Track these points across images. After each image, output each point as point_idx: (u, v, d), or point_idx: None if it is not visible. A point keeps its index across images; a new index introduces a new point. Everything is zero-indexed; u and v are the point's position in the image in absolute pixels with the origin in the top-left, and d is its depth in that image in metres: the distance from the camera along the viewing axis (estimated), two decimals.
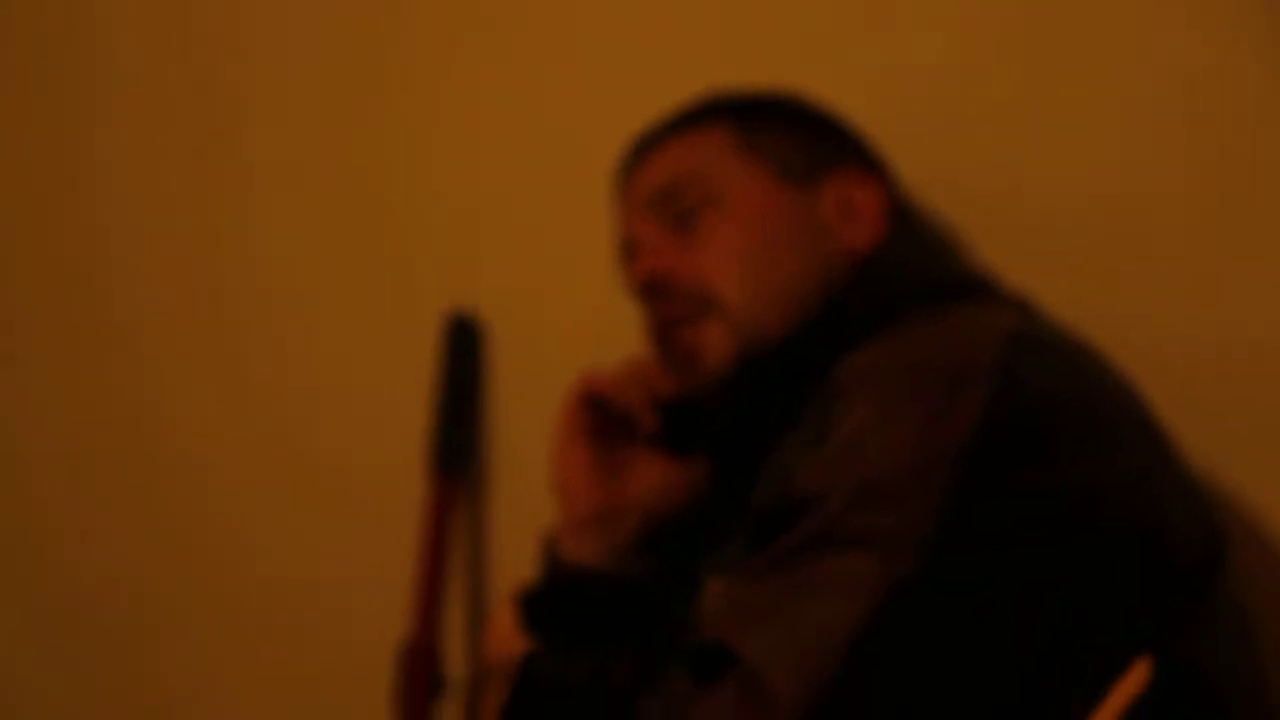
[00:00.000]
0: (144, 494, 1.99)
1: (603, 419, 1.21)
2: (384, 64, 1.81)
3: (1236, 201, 1.20)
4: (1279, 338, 1.18)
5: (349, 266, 1.84)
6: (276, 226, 1.91)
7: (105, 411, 2.02)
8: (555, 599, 1.16)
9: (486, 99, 1.71)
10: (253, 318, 1.94)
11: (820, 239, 1.15)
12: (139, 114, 2.00)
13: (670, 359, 1.17)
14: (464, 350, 1.69)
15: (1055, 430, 0.94)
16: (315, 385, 1.87)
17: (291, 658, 1.90)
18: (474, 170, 1.73)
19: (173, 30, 1.98)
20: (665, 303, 1.16)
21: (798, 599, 0.91)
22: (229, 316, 1.96)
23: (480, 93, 1.72)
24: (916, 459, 0.91)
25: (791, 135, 1.20)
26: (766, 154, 1.18)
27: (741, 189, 1.16)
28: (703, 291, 1.14)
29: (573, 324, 1.61)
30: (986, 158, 1.33)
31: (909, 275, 1.13)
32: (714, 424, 1.16)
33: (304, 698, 1.90)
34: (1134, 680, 0.89)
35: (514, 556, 1.67)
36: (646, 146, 1.23)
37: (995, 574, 0.90)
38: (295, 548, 1.90)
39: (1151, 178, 1.24)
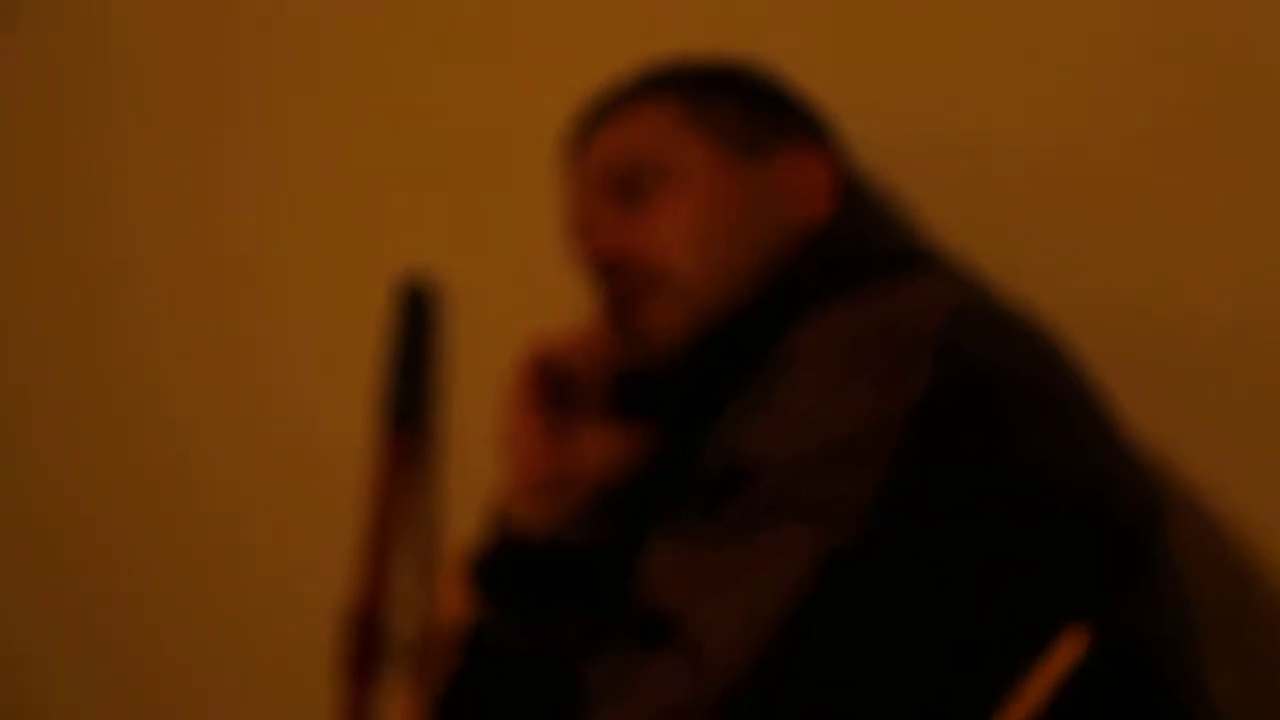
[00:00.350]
0: (120, 460, 2.00)
1: (553, 385, 1.20)
2: (334, 33, 1.81)
3: (1178, 170, 1.20)
4: (1219, 310, 1.19)
5: (302, 232, 1.84)
6: (231, 193, 1.91)
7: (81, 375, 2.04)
8: (506, 565, 1.16)
9: (437, 67, 1.71)
10: (210, 286, 1.94)
11: (770, 212, 1.15)
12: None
13: (623, 333, 1.17)
14: (417, 311, 1.69)
15: (1000, 401, 0.94)
16: (270, 349, 1.87)
17: (241, 620, 1.90)
18: (427, 132, 1.72)
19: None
20: (617, 280, 1.16)
21: (739, 567, 0.91)
22: (186, 284, 1.96)
23: (431, 61, 1.72)
24: (861, 429, 0.91)
25: (740, 108, 1.19)
26: (715, 128, 1.17)
27: (691, 163, 1.16)
28: (654, 268, 1.14)
29: (525, 286, 1.61)
30: (939, 124, 1.33)
31: (859, 247, 1.13)
32: (666, 394, 1.17)
33: (252, 660, 1.90)
34: (1069, 648, 0.90)
35: (465, 519, 1.67)
36: (594, 119, 1.22)
37: (935, 544, 0.90)
38: (247, 510, 1.90)
39: (1095, 139, 1.25)
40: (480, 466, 1.62)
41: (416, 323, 1.69)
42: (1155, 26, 1.21)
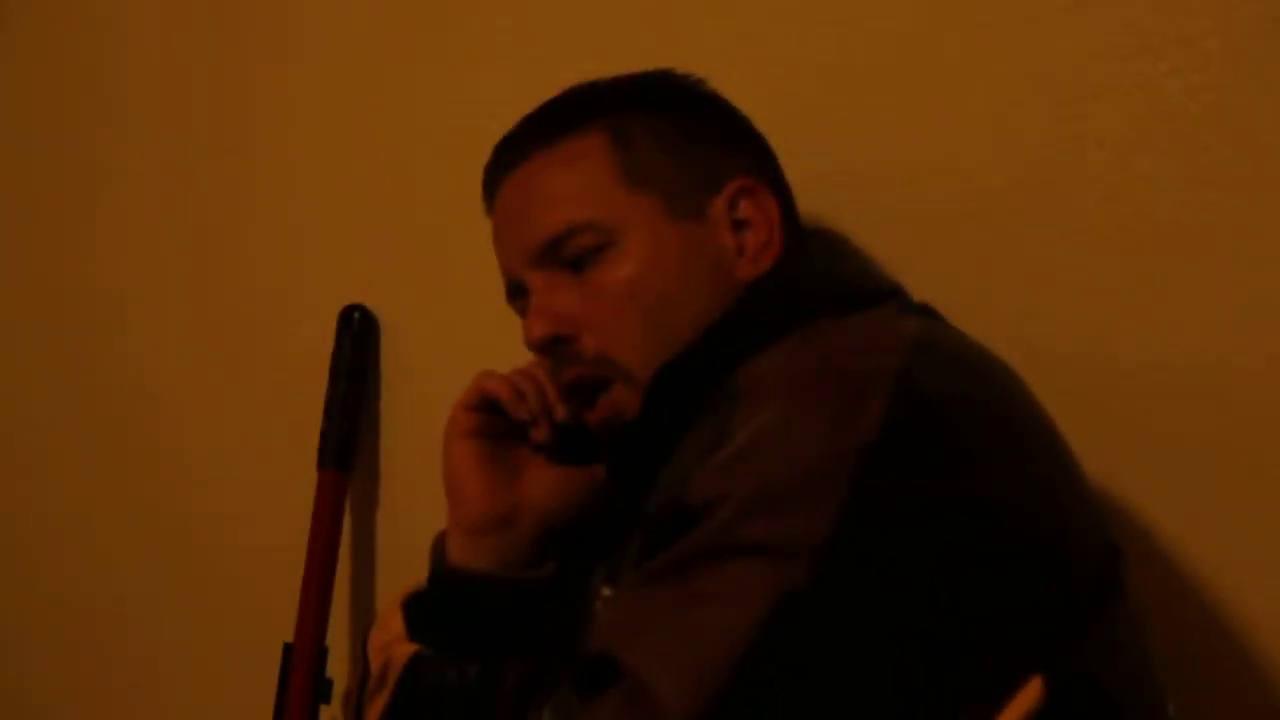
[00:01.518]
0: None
1: (497, 422, 1.18)
2: (274, 65, 1.81)
3: (1139, 205, 1.20)
4: (1174, 346, 1.19)
5: (245, 265, 1.84)
6: (172, 224, 1.92)
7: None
8: (444, 603, 1.13)
9: (378, 100, 1.71)
10: (149, 314, 1.94)
11: (719, 271, 1.12)
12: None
13: (585, 412, 1.15)
14: (358, 348, 1.68)
15: (957, 438, 0.92)
16: (211, 384, 1.87)
17: (182, 657, 1.89)
18: (369, 168, 1.72)
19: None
20: (568, 365, 1.13)
21: (687, 609, 0.89)
22: (123, 308, 1.97)
23: (372, 94, 1.71)
24: (813, 467, 0.89)
25: (673, 151, 1.14)
26: (652, 186, 1.13)
27: (632, 230, 1.11)
28: (606, 359, 1.11)
29: (466, 320, 1.60)
30: (877, 153, 1.32)
31: (810, 283, 1.10)
32: (613, 440, 1.15)
33: (190, 696, 1.88)
34: (1028, 697, 0.88)
35: (406, 556, 1.67)
36: (515, 158, 1.18)
37: (889, 585, 0.88)
38: (186, 548, 1.90)
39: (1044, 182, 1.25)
40: (422, 499, 1.63)
41: (357, 356, 1.68)
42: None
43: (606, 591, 1.09)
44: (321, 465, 1.66)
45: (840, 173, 1.31)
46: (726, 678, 0.86)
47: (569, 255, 1.13)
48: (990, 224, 1.26)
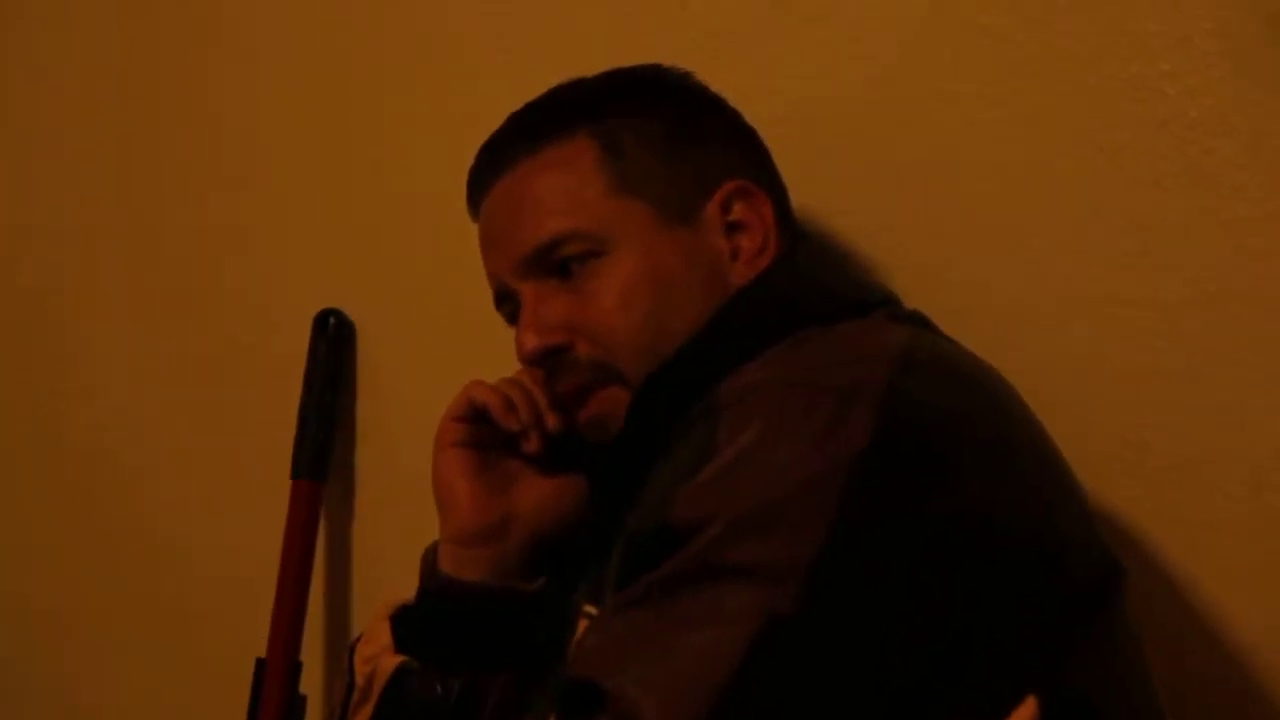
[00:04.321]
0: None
1: (487, 432, 1.16)
2: (247, 65, 1.80)
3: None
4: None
5: (217, 268, 1.83)
6: (142, 228, 1.90)
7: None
8: (433, 613, 1.11)
9: (355, 100, 1.69)
10: (118, 320, 1.93)
11: (714, 276, 1.10)
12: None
13: (576, 417, 1.13)
14: (333, 353, 1.65)
15: (946, 452, 0.91)
16: (182, 391, 1.86)
17: (153, 671, 1.88)
18: (345, 169, 1.70)
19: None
20: (564, 375, 1.12)
21: (674, 632, 0.87)
22: (92, 314, 1.96)
23: (349, 94, 1.70)
24: (799, 488, 0.87)
25: (664, 154, 1.12)
26: (643, 192, 1.11)
27: (623, 237, 1.10)
28: (601, 363, 1.10)
29: (445, 325, 1.58)
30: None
31: (797, 292, 1.08)
32: (597, 453, 1.13)
33: (161, 711, 1.86)
34: (1023, 716, 0.86)
35: (382, 569, 1.65)
36: (501, 163, 1.16)
37: (877, 606, 0.87)
38: (157, 561, 1.88)
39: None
40: (398, 509, 1.61)
41: (332, 363, 1.65)
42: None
43: (589, 608, 1.07)
44: (295, 475, 1.63)
45: (834, 174, 1.29)
46: (714, 701, 0.84)
47: (558, 264, 1.11)
48: (986, 227, 1.24)
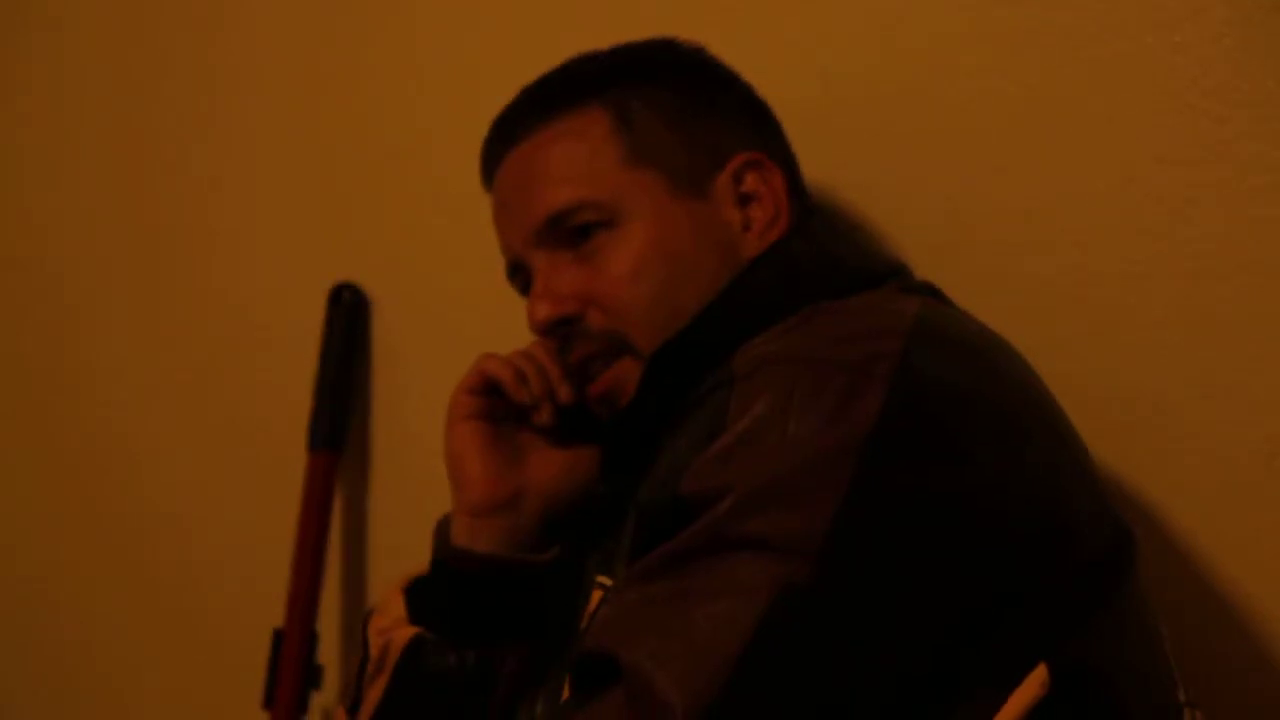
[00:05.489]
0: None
1: (499, 404, 1.16)
2: (262, 35, 1.80)
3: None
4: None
5: (232, 243, 1.83)
6: (157, 201, 1.90)
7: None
8: (447, 585, 1.11)
9: (370, 72, 1.69)
10: (133, 295, 1.93)
11: (725, 247, 1.11)
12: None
13: (587, 390, 1.13)
14: (348, 327, 1.65)
15: (958, 424, 0.90)
16: (198, 365, 1.86)
17: (171, 642, 1.89)
18: (359, 142, 1.70)
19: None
20: (576, 343, 1.12)
21: (689, 604, 0.87)
22: (107, 289, 1.96)
23: (364, 66, 1.69)
24: (813, 459, 0.87)
25: (676, 126, 1.13)
26: (655, 162, 1.11)
27: (635, 208, 1.10)
28: (612, 334, 1.10)
29: (459, 297, 1.58)
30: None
31: (810, 263, 1.08)
32: (609, 425, 1.13)
33: (179, 681, 1.86)
34: (1032, 685, 0.87)
35: (398, 539, 1.65)
36: (514, 134, 1.16)
37: (892, 578, 0.87)
38: (175, 533, 1.89)
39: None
40: (414, 479, 1.62)
41: (348, 334, 1.66)
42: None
43: (601, 579, 1.07)
44: (312, 447, 1.63)
45: (847, 148, 1.29)
46: (730, 672, 0.84)
47: (570, 234, 1.11)
48: (998, 200, 1.23)
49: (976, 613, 0.88)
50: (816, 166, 1.22)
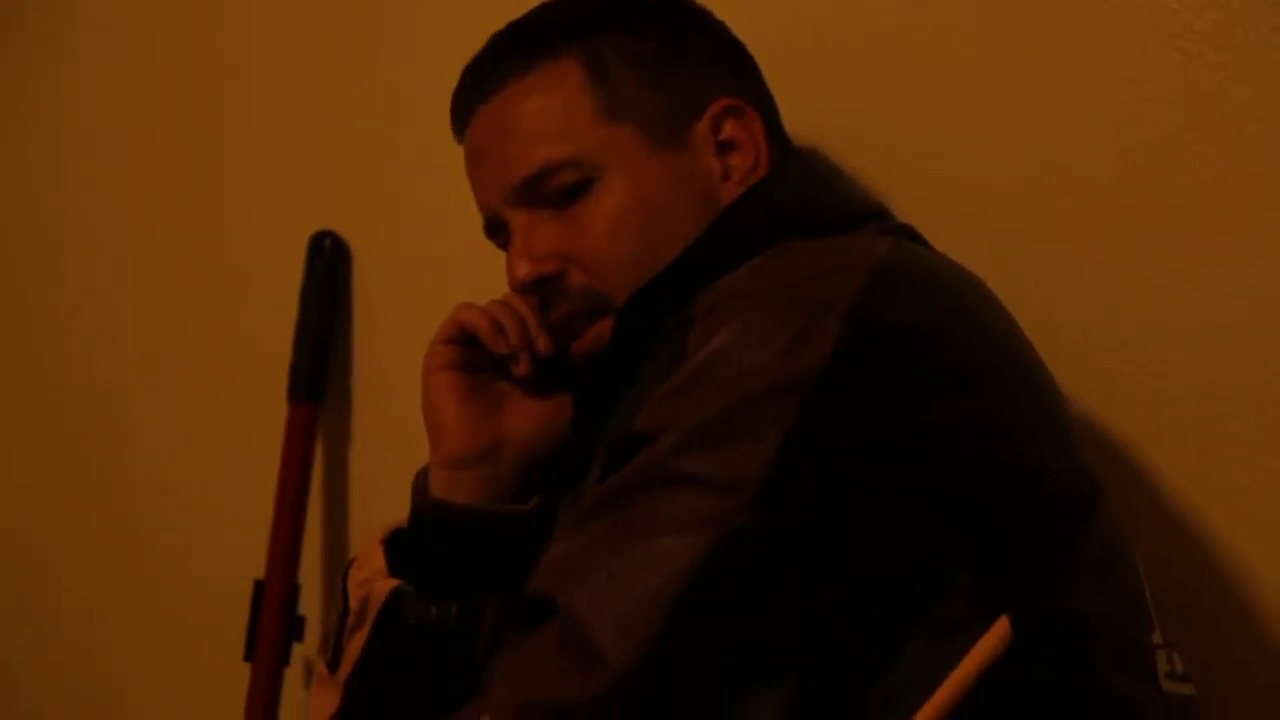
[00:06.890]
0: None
1: (476, 354, 1.14)
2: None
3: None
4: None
5: (210, 190, 1.82)
6: (133, 148, 1.90)
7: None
8: (425, 537, 1.10)
9: (348, 18, 1.68)
10: (109, 243, 1.93)
11: (705, 197, 1.09)
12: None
13: (571, 343, 1.12)
14: (328, 276, 1.64)
15: (916, 363, 0.89)
16: (176, 315, 1.86)
17: (151, 595, 1.89)
18: (337, 89, 1.69)
19: None
20: (557, 302, 1.11)
21: (625, 544, 0.86)
22: (81, 236, 1.96)
23: (341, 12, 1.68)
24: (758, 397, 0.86)
25: (652, 76, 1.11)
26: (631, 116, 1.09)
27: (613, 163, 1.08)
28: (595, 293, 1.09)
29: (440, 246, 1.57)
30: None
31: (785, 204, 1.07)
32: (581, 366, 1.12)
33: (159, 634, 1.87)
34: (993, 639, 0.85)
35: (380, 490, 1.65)
36: (485, 87, 1.13)
37: (833, 520, 0.86)
38: (154, 484, 1.89)
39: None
40: (394, 430, 1.61)
41: (328, 285, 1.64)
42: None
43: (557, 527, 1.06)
44: (292, 397, 1.63)
45: (828, 88, 1.28)
46: (664, 616, 0.84)
47: (549, 193, 1.10)
48: (986, 144, 1.23)
49: (929, 559, 0.87)
50: (792, 105, 1.20)
